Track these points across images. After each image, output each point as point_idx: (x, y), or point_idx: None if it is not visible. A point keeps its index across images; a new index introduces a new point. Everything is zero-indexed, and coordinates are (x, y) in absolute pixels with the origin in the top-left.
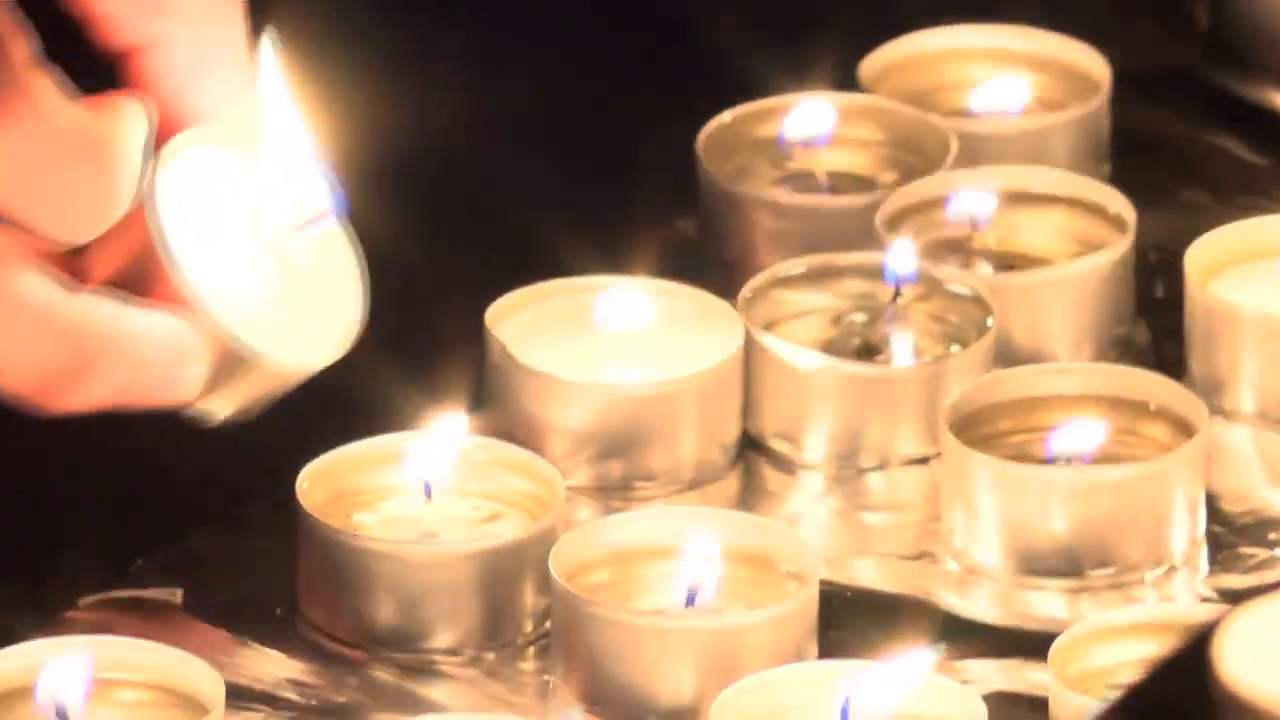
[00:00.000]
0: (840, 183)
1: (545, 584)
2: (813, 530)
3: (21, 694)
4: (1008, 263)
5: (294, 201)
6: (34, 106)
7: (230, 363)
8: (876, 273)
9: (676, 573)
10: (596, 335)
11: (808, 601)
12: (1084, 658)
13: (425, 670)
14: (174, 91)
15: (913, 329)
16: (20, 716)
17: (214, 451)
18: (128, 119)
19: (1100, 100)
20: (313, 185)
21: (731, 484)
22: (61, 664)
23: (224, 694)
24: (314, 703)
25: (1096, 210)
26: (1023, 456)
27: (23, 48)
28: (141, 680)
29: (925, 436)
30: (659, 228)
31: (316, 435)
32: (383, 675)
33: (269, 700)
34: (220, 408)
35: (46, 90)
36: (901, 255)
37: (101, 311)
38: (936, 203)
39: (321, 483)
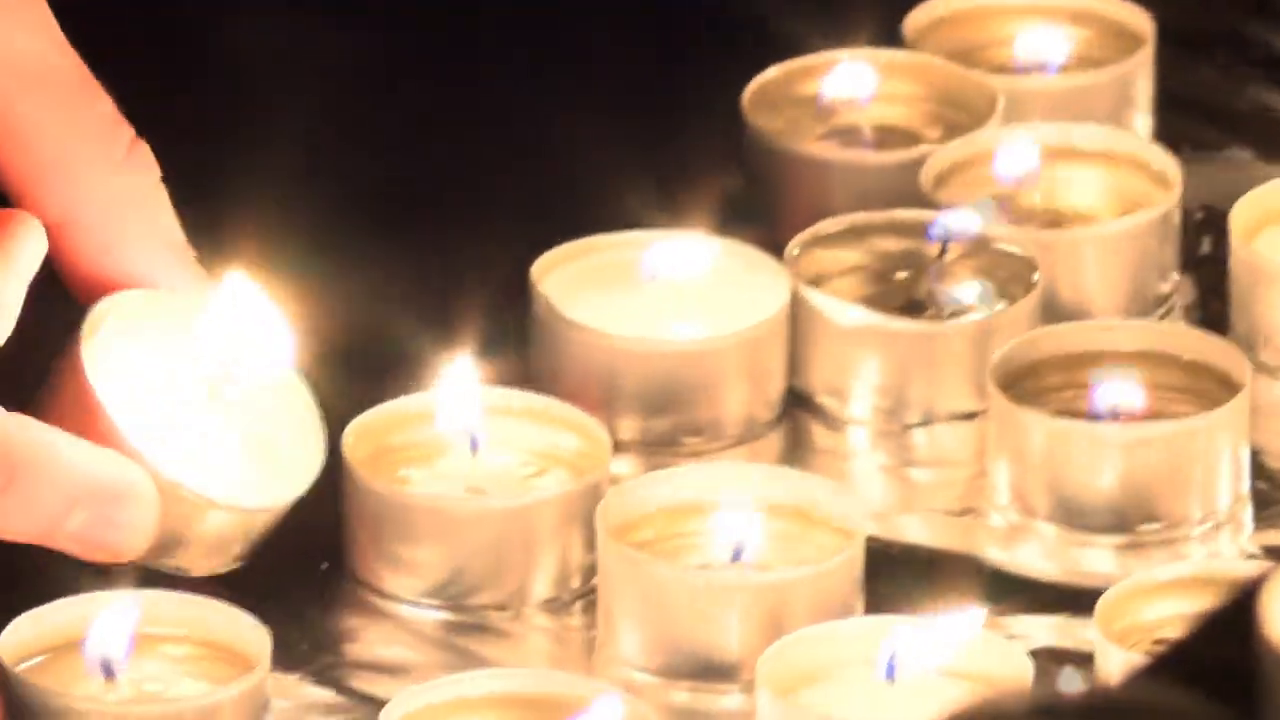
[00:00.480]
0: (885, 139)
1: (591, 540)
2: (859, 486)
3: (69, 648)
4: (1052, 219)
5: (235, 348)
6: None
7: (184, 513)
8: (923, 229)
9: (722, 528)
10: (642, 290)
11: (854, 557)
12: (1130, 613)
13: (471, 626)
14: (97, 265)
15: (959, 285)
16: (68, 670)
17: None
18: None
19: (1144, 56)
20: (256, 331)
21: (777, 440)
22: (108, 619)
23: (270, 648)
24: (360, 658)
25: (1140, 167)
26: (1069, 412)
27: None
28: (188, 635)
29: (971, 392)
30: (704, 183)
31: (361, 391)
32: (429, 631)
33: (315, 655)
34: (193, 562)
35: None
36: (960, 217)
37: (31, 433)
38: (981, 159)
39: (367, 438)
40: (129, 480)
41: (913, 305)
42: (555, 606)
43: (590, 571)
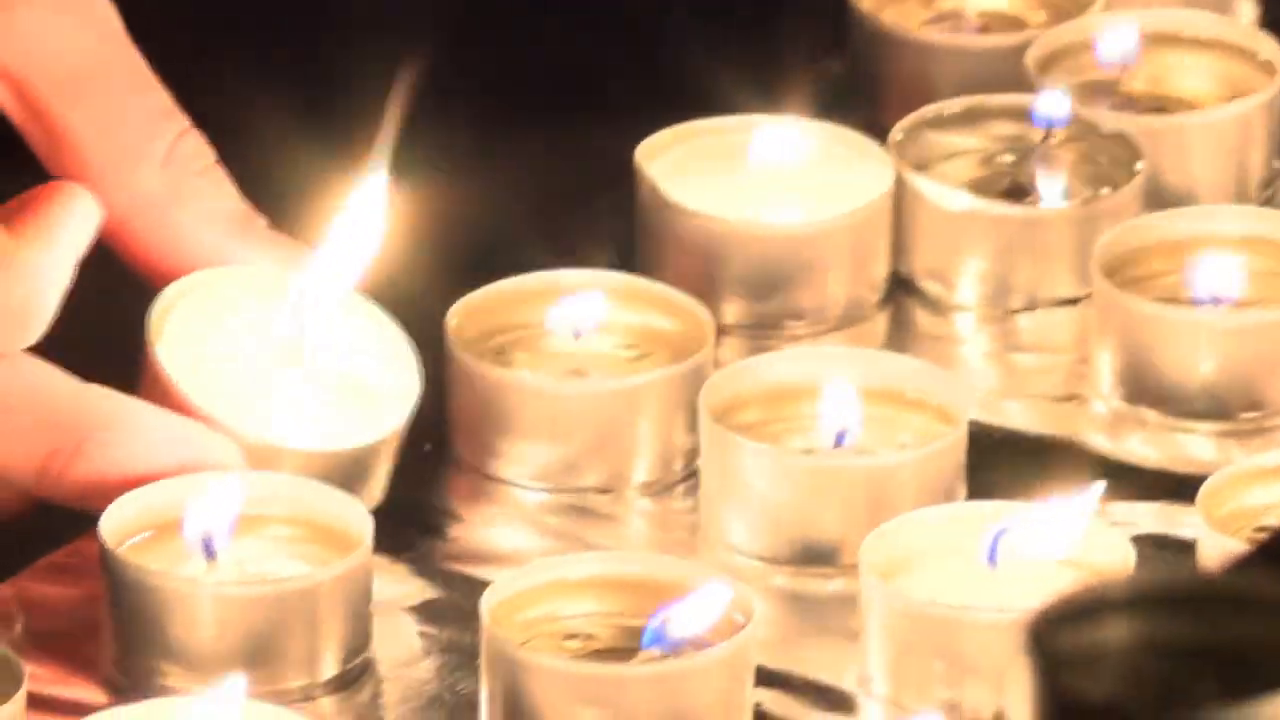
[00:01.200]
0: (990, 23)
1: (694, 423)
2: (962, 371)
3: (170, 528)
4: (1157, 105)
5: (310, 303)
6: None
7: (282, 469)
8: (1028, 114)
9: (826, 412)
10: (746, 174)
11: (957, 442)
12: (1233, 500)
13: (573, 508)
14: (161, 256)
15: (1063, 170)
16: (169, 550)
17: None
18: (48, 229)
19: None
20: (331, 279)
21: (881, 324)
22: (209, 499)
23: (372, 529)
24: (462, 539)
25: (1246, 54)
26: (1172, 299)
27: None
28: (289, 515)
29: (1075, 278)
30: (809, 67)
31: (466, 274)
32: (531, 513)
33: (417, 537)
34: None
35: None
36: (1054, 99)
37: (101, 401)
38: (1086, 44)
39: (472, 319)
40: (210, 444)
41: (1017, 190)
42: (657, 489)
43: (692, 455)
